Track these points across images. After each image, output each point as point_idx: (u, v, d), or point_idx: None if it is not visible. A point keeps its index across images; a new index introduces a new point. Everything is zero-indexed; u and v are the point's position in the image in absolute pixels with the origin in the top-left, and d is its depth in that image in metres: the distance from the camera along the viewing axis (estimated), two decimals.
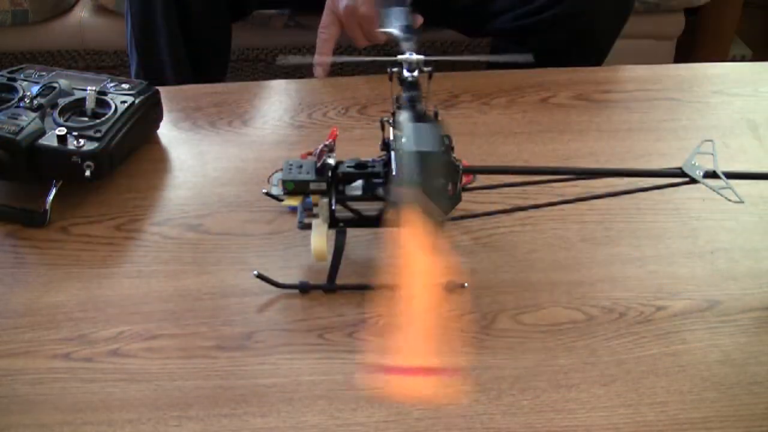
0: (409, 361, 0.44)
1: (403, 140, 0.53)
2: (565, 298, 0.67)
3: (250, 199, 0.76)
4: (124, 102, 0.77)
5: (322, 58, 0.98)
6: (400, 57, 0.58)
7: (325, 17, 0.98)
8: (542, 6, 1.03)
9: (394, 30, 0.63)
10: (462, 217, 0.70)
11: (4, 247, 0.71)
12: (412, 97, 0.57)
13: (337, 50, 1.00)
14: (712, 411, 0.58)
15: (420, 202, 0.49)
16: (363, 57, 0.62)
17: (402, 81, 0.59)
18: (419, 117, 0.56)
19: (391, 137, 0.63)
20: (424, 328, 0.45)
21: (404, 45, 0.60)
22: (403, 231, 0.49)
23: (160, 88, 0.83)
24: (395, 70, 0.59)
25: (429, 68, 0.59)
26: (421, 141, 0.53)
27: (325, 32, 0.98)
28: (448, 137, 0.63)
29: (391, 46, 0.62)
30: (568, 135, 0.86)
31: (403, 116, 0.56)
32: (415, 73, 0.58)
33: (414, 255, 0.48)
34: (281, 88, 0.96)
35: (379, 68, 0.61)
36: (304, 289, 0.66)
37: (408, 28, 0.63)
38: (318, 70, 0.98)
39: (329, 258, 0.65)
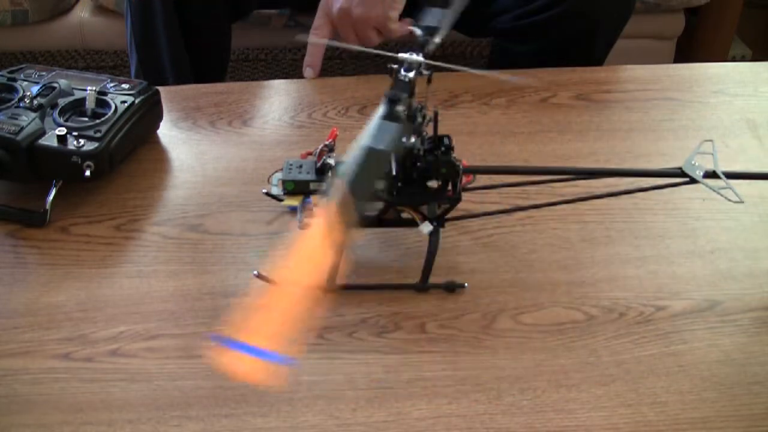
0: (253, 341, 0.44)
1: (362, 133, 0.53)
2: (565, 298, 0.67)
3: (250, 199, 0.76)
4: (124, 102, 0.77)
5: (313, 59, 0.98)
6: (401, 55, 0.58)
7: (318, 19, 0.98)
8: (543, 6, 1.03)
9: (417, 28, 0.63)
10: (462, 217, 0.70)
11: (4, 247, 0.71)
12: (395, 95, 0.56)
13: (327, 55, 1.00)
14: (712, 411, 0.58)
15: (341, 198, 0.49)
16: (363, 48, 0.61)
17: (395, 79, 0.58)
18: (392, 116, 0.55)
19: None
20: (280, 318, 0.46)
21: (418, 44, 0.60)
22: (314, 223, 0.48)
23: (160, 88, 0.83)
24: (395, 66, 0.59)
25: (428, 72, 0.59)
26: (376, 138, 0.53)
27: (317, 34, 0.98)
28: (449, 137, 0.63)
29: (387, 48, 0.62)
30: (568, 135, 0.86)
31: (378, 112, 0.56)
32: (412, 74, 0.58)
33: (306, 251, 0.48)
34: (281, 88, 0.96)
35: (378, 68, 0.61)
36: None
37: (431, 30, 0.62)
38: (308, 72, 0.98)
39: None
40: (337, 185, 0.49)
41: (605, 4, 1.04)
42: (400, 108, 0.55)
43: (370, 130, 0.53)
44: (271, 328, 0.45)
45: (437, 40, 0.61)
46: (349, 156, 0.52)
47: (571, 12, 1.02)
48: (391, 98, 0.56)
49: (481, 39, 1.45)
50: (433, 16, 0.63)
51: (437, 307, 0.65)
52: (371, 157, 0.51)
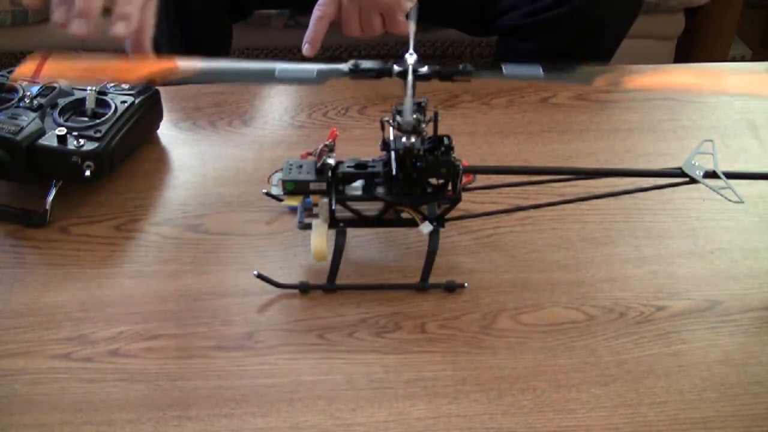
0: None
1: None
2: (565, 298, 0.67)
3: (250, 199, 0.76)
4: (124, 102, 0.77)
5: (314, 36, 0.93)
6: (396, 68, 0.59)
7: None
8: (550, 4, 1.03)
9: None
10: (462, 217, 0.69)
11: (4, 247, 0.71)
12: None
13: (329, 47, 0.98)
14: (712, 411, 0.58)
15: None
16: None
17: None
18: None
19: (391, 137, 0.63)
20: None
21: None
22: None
23: (160, 88, 0.83)
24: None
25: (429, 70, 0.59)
26: None
27: (321, 9, 0.93)
28: (449, 137, 0.63)
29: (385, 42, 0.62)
30: (568, 135, 0.86)
31: None
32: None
33: None
34: (281, 88, 0.96)
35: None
36: (304, 289, 0.66)
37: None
38: (307, 48, 0.93)
39: (329, 258, 0.65)
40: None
41: (612, 2, 1.03)
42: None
43: None
44: None
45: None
46: None
47: (578, 10, 1.01)
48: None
49: (483, 39, 1.44)
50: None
51: (437, 307, 0.65)
52: None
